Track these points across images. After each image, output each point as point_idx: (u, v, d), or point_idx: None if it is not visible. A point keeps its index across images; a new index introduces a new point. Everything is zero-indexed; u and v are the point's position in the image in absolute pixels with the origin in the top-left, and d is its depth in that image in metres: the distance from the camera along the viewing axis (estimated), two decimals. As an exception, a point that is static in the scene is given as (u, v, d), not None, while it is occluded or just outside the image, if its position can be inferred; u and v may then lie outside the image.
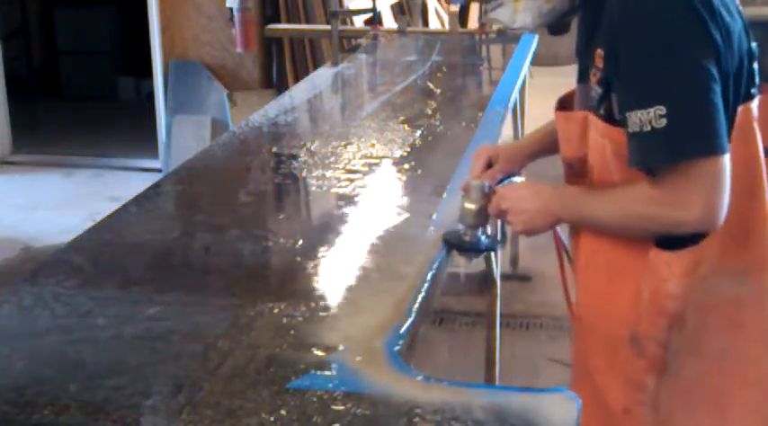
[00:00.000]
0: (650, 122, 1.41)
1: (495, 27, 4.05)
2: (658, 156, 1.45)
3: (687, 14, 1.42)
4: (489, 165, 1.87)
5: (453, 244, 1.82)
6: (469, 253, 1.86)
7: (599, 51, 1.54)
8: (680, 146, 1.42)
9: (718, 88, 1.43)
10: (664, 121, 1.40)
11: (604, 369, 1.67)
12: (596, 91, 1.56)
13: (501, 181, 1.84)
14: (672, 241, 1.53)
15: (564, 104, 1.75)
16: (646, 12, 1.44)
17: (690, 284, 1.54)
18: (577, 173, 1.67)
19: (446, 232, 1.86)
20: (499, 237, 2.07)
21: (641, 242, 1.57)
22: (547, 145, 1.89)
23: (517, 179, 1.85)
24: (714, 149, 1.42)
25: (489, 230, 1.84)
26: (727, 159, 1.43)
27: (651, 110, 1.41)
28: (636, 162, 1.48)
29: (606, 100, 1.54)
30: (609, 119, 1.54)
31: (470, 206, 1.76)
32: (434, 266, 1.73)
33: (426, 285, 1.65)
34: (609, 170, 1.57)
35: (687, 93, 1.42)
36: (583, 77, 1.63)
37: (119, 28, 7.99)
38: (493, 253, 2.93)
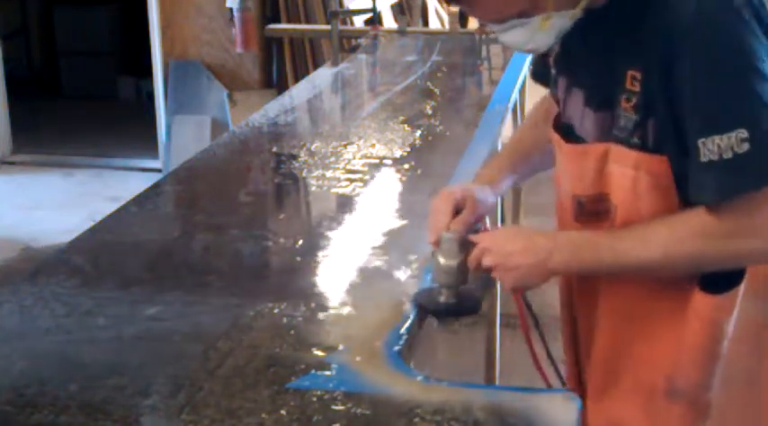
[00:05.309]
0: (731, 148, 1.29)
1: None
2: (745, 184, 1.32)
3: (749, 31, 1.32)
4: (457, 211, 1.57)
5: (427, 307, 1.56)
6: (448, 318, 1.60)
7: (632, 73, 1.40)
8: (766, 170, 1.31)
9: None
10: (746, 146, 1.29)
11: (640, 421, 1.54)
12: (629, 118, 1.41)
13: (474, 227, 1.56)
14: (718, 282, 1.43)
15: (564, 133, 1.56)
16: (715, 31, 1.32)
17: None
18: (589, 211, 1.51)
19: (417, 292, 1.60)
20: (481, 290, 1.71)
21: (681, 285, 1.45)
22: (520, 171, 1.72)
23: (496, 225, 1.60)
24: None
25: (466, 284, 1.58)
26: None
27: (732, 134, 1.30)
28: (715, 194, 1.33)
29: (641, 127, 1.40)
30: (643, 148, 1.41)
31: (447, 262, 1.51)
32: (434, 266, 1.72)
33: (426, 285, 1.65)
34: (637, 207, 1.44)
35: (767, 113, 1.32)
36: (603, 104, 1.46)
37: (119, 28, 7.98)
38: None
